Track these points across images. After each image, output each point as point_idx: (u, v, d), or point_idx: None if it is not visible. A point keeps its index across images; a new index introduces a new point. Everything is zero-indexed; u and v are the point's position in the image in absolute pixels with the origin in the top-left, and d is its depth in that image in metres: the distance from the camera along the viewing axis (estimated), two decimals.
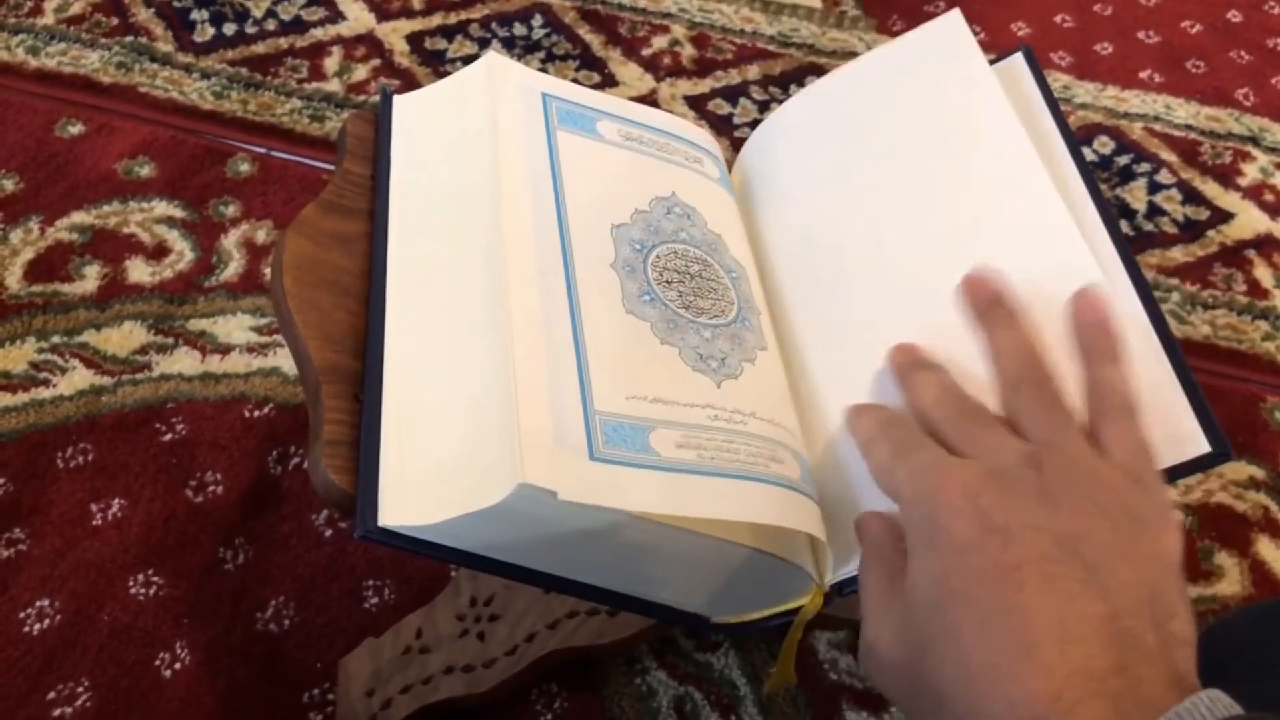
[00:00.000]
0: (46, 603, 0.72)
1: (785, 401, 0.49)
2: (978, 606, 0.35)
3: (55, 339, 0.85)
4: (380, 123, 0.57)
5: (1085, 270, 0.46)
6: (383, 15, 1.15)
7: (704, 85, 1.11)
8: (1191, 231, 1.01)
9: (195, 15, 1.13)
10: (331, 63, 1.10)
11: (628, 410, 0.44)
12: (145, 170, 0.97)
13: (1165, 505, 0.39)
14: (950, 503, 0.37)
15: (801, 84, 1.12)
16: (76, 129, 1.00)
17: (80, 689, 0.69)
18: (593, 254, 0.49)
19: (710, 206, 0.55)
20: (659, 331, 0.48)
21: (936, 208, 0.51)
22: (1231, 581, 0.79)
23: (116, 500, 0.77)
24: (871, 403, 0.46)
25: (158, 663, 0.70)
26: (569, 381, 0.43)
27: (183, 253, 0.92)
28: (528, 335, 0.45)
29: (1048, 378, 0.42)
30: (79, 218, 0.93)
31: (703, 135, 0.60)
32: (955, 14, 0.56)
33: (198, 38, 1.11)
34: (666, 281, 0.50)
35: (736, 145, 1.05)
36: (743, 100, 1.10)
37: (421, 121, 0.57)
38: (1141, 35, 1.20)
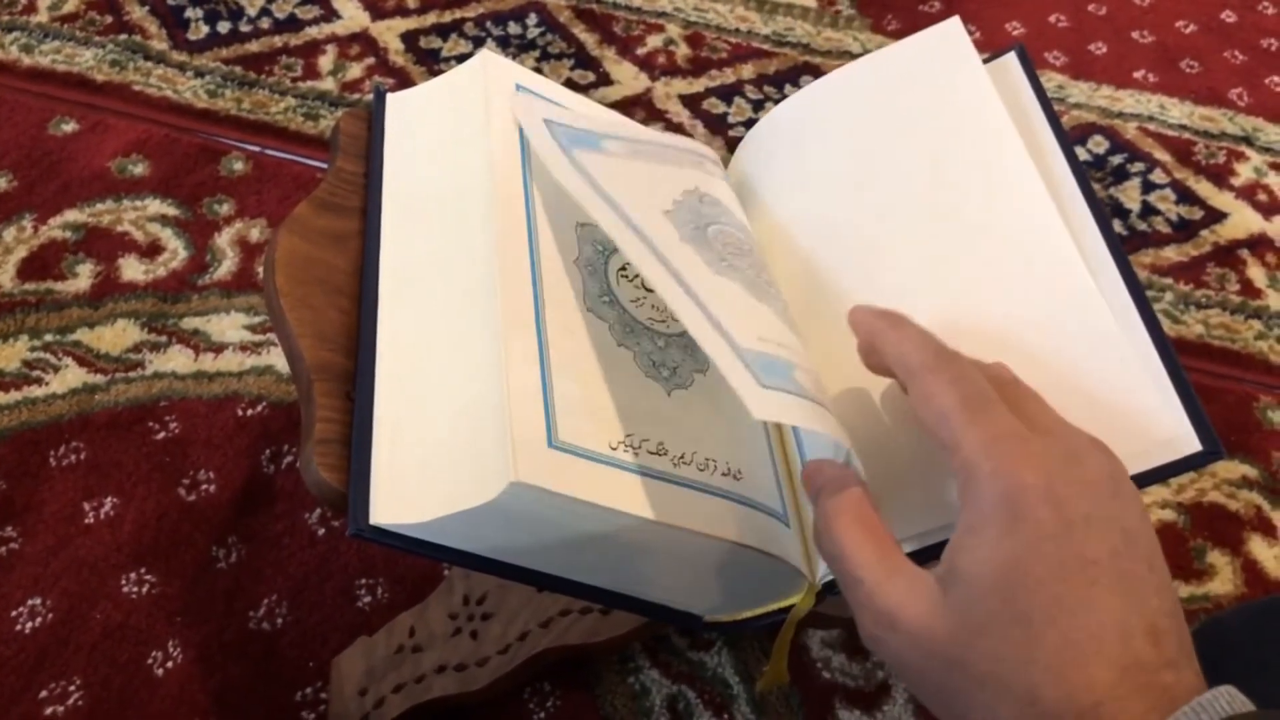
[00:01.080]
0: (38, 601, 0.72)
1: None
2: (1053, 598, 0.34)
3: (48, 337, 0.85)
4: (374, 121, 0.57)
5: (1077, 278, 0.46)
6: (377, 14, 1.15)
7: (699, 84, 1.11)
8: (1185, 231, 1.01)
9: (189, 13, 1.13)
10: (326, 61, 1.10)
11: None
12: (139, 168, 0.97)
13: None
14: (1036, 487, 0.35)
15: (796, 84, 1.12)
16: (70, 127, 1.00)
17: (73, 688, 0.69)
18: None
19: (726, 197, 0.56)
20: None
21: (931, 214, 0.51)
22: (1224, 581, 0.79)
23: (109, 499, 0.77)
24: (888, 312, 0.42)
25: (150, 661, 0.70)
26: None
27: (176, 251, 0.92)
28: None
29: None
30: (72, 216, 0.93)
31: (695, 143, 0.61)
32: (955, 21, 0.56)
33: (192, 36, 1.11)
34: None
35: (731, 145, 1.05)
36: (737, 99, 1.10)
37: (415, 120, 0.57)
38: (1136, 35, 1.20)
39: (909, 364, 0.39)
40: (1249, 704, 0.33)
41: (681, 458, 0.45)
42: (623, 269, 0.51)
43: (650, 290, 0.51)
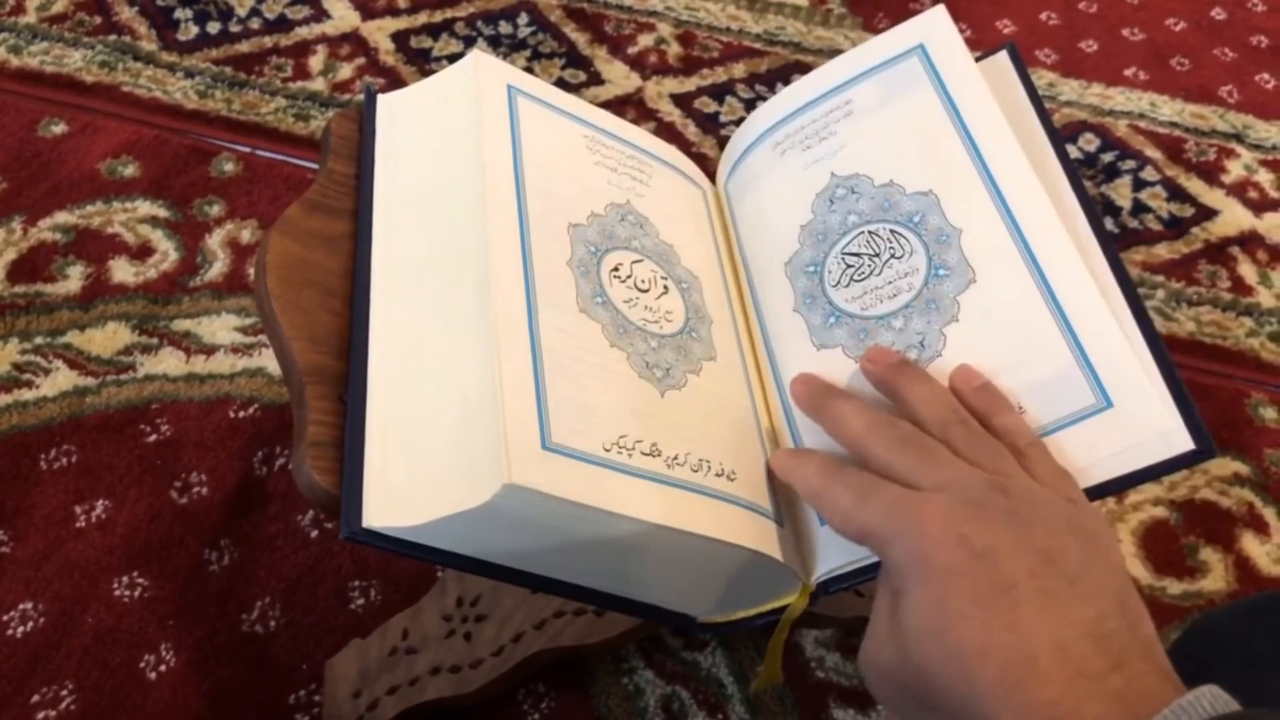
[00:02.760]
0: (30, 605, 0.72)
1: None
2: (978, 627, 0.36)
3: (38, 340, 0.85)
4: (364, 122, 0.57)
5: (1073, 270, 0.46)
6: (368, 14, 1.15)
7: (690, 83, 1.11)
8: (1176, 229, 1.02)
9: (179, 14, 1.12)
10: (316, 61, 1.09)
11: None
12: (129, 170, 0.97)
13: (1104, 521, 0.41)
14: (932, 535, 0.38)
15: (787, 82, 1.11)
16: (59, 128, 1.00)
17: (65, 692, 0.69)
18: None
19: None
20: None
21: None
22: (1216, 577, 0.79)
23: (101, 502, 0.77)
24: (796, 449, 0.48)
25: (143, 665, 0.70)
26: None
27: (167, 253, 0.91)
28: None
29: (970, 417, 0.44)
30: (62, 218, 0.93)
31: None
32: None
33: (181, 36, 1.10)
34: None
35: (723, 144, 1.05)
36: (729, 98, 1.10)
37: (406, 120, 0.56)
38: (1126, 33, 1.20)
39: (811, 497, 0.44)
40: (1233, 703, 0.33)
41: (675, 459, 0.45)
42: (615, 270, 0.51)
43: (644, 290, 0.51)
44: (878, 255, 0.51)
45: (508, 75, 0.56)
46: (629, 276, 0.51)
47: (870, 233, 0.51)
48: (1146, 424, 0.44)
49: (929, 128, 0.52)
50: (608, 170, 0.56)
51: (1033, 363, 0.46)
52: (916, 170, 0.52)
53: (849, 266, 0.51)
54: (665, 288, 0.52)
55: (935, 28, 0.55)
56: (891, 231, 0.51)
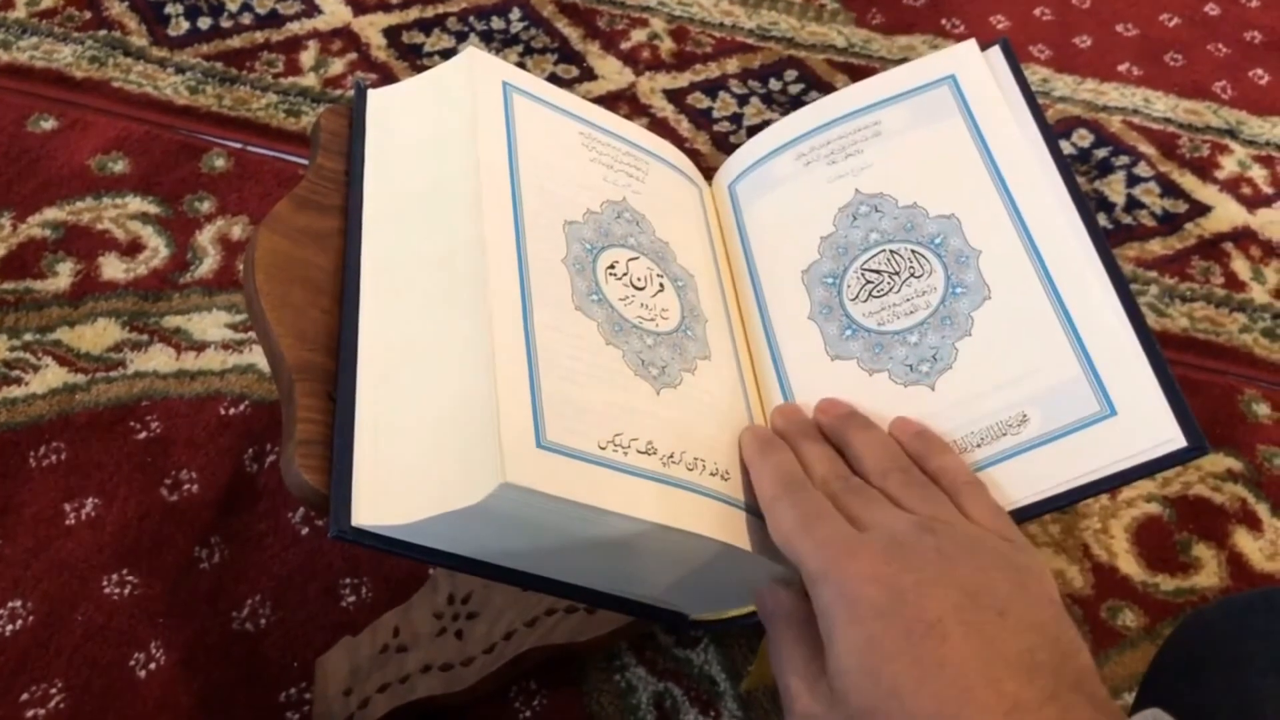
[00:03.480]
0: (19, 604, 0.71)
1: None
2: (910, 664, 0.36)
3: (28, 336, 0.84)
4: (354, 118, 0.56)
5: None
6: (359, 9, 1.14)
7: (683, 79, 1.11)
8: (1170, 224, 1.01)
9: (169, 9, 1.12)
10: (308, 57, 1.09)
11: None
12: (119, 166, 0.96)
13: (1038, 556, 0.42)
14: (860, 574, 0.39)
15: (781, 78, 1.11)
16: (49, 124, 0.99)
17: (54, 690, 0.68)
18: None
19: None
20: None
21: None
22: (1209, 574, 0.79)
23: (90, 499, 0.76)
24: (768, 441, 0.48)
25: (133, 663, 0.70)
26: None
27: (157, 249, 0.91)
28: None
29: (910, 464, 0.46)
30: (52, 214, 0.92)
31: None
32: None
33: (172, 32, 1.10)
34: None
35: (716, 139, 1.05)
36: (722, 94, 1.10)
37: (398, 116, 0.56)
38: (1120, 28, 1.20)
39: (763, 496, 0.45)
40: None
41: (671, 457, 0.45)
42: (610, 267, 0.51)
43: (639, 288, 0.51)
44: (897, 274, 0.52)
45: (502, 71, 0.56)
46: (625, 274, 0.51)
47: (891, 251, 0.53)
48: (1139, 422, 0.44)
49: (955, 154, 0.54)
50: (603, 167, 0.56)
51: (1040, 372, 0.47)
52: (941, 194, 0.53)
53: (868, 283, 0.52)
54: (661, 285, 0.52)
55: (966, 60, 0.56)
56: (913, 251, 0.52)
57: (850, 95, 0.58)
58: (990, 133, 0.53)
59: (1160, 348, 0.46)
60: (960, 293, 0.50)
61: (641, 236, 0.53)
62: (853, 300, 0.52)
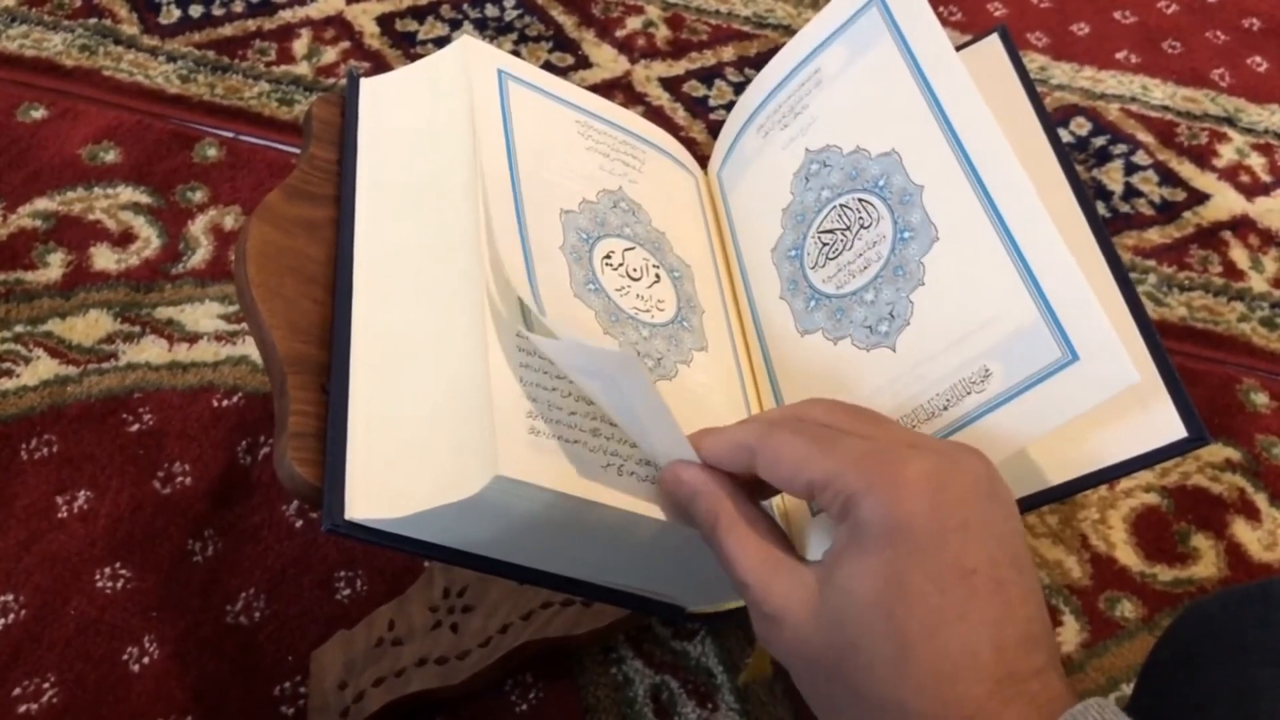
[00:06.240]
0: (11, 597, 0.71)
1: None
2: (932, 610, 0.34)
3: (18, 328, 0.84)
4: (347, 107, 0.56)
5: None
6: None
7: (679, 67, 1.10)
8: (1168, 213, 1.01)
9: None
10: (300, 45, 1.08)
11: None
12: (110, 155, 0.96)
13: None
14: (914, 493, 0.35)
15: None
16: (39, 113, 0.98)
17: (46, 684, 0.68)
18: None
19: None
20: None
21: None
22: (1208, 564, 0.79)
23: (82, 492, 0.76)
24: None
25: (126, 657, 0.69)
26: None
27: (149, 239, 0.90)
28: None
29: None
30: (42, 204, 0.92)
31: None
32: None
33: (163, 20, 1.09)
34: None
35: (712, 127, 1.05)
36: (718, 82, 1.09)
37: (391, 105, 0.56)
38: (1118, 15, 1.20)
39: (748, 444, 0.39)
40: (1120, 715, 0.33)
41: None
42: (607, 257, 0.50)
43: (635, 279, 0.50)
44: (848, 229, 0.49)
45: (498, 59, 0.55)
46: (621, 264, 0.50)
47: (841, 206, 0.50)
48: (1138, 411, 0.43)
49: (889, 83, 0.50)
50: (600, 156, 0.55)
51: (997, 321, 0.44)
52: (879, 131, 0.50)
53: (824, 245, 0.50)
54: (657, 276, 0.51)
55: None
56: (859, 200, 0.49)
57: (790, 50, 0.55)
58: (920, 50, 0.49)
59: (1159, 337, 0.45)
60: (908, 237, 0.47)
61: (638, 226, 0.53)
62: (813, 268, 0.50)
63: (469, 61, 0.54)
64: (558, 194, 0.51)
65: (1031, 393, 0.42)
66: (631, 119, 0.59)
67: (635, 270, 0.51)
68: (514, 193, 0.49)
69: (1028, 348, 0.42)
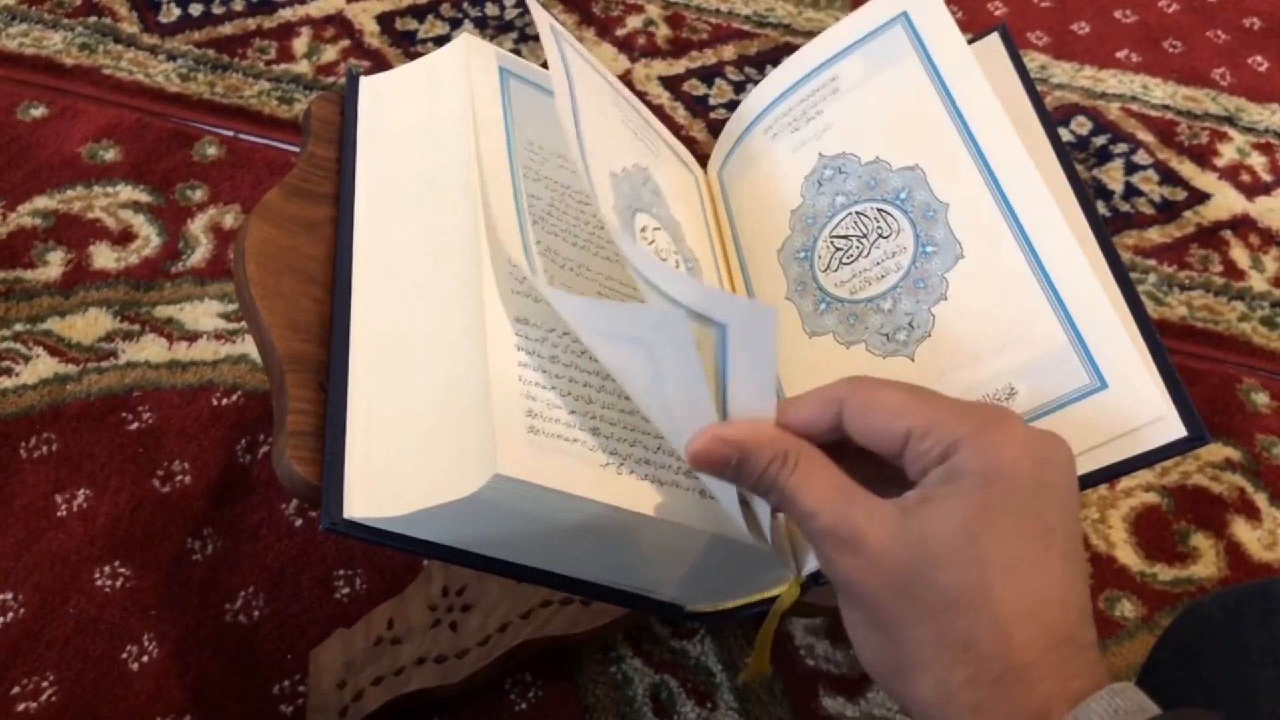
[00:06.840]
0: (10, 596, 0.71)
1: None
2: (1014, 551, 0.35)
3: (18, 327, 0.84)
4: (346, 105, 0.56)
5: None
6: None
7: (679, 66, 1.10)
8: (1168, 212, 1.01)
9: None
10: (300, 44, 1.08)
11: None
12: (110, 154, 0.96)
13: None
14: (1016, 446, 0.36)
15: (777, 64, 1.10)
16: (39, 112, 0.98)
17: (45, 683, 0.68)
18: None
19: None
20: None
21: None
22: (1208, 564, 0.79)
23: (82, 491, 0.76)
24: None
25: (125, 655, 0.69)
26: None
27: (149, 238, 0.90)
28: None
29: None
30: (42, 203, 0.92)
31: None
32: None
33: (163, 18, 1.09)
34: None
35: (712, 126, 1.05)
36: (718, 81, 1.09)
37: (390, 104, 0.55)
38: (1119, 15, 1.20)
39: (838, 396, 0.39)
40: (1155, 708, 0.34)
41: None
42: (643, 230, 0.50)
43: (663, 260, 0.50)
44: (865, 236, 0.50)
45: (499, 58, 0.55)
46: (653, 243, 0.50)
47: (858, 213, 0.50)
48: (1138, 411, 0.43)
49: (914, 99, 0.51)
50: (630, 132, 0.55)
51: (1024, 342, 0.44)
52: (902, 144, 0.50)
53: (838, 250, 0.50)
54: (677, 263, 0.51)
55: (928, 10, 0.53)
56: (878, 210, 0.50)
57: (805, 55, 0.55)
58: (947, 70, 0.50)
59: (1160, 338, 0.45)
60: (931, 251, 0.47)
61: (661, 210, 0.53)
62: (824, 271, 0.50)
63: (469, 60, 0.54)
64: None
65: (1056, 415, 0.43)
66: (645, 110, 0.59)
67: (663, 253, 0.50)
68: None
69: (1055, 371, 0.43)
